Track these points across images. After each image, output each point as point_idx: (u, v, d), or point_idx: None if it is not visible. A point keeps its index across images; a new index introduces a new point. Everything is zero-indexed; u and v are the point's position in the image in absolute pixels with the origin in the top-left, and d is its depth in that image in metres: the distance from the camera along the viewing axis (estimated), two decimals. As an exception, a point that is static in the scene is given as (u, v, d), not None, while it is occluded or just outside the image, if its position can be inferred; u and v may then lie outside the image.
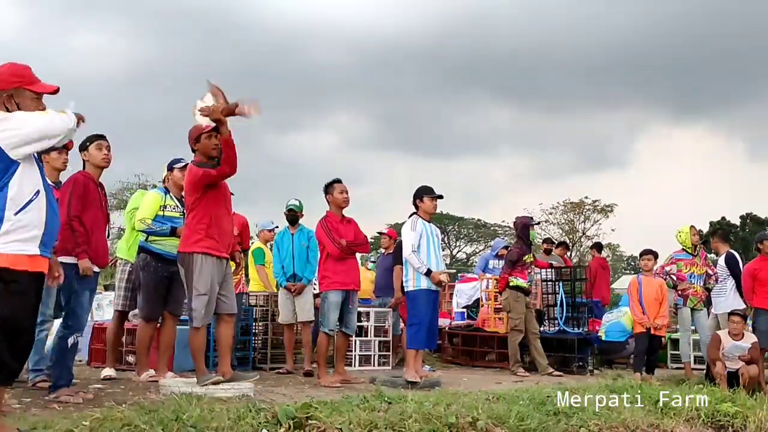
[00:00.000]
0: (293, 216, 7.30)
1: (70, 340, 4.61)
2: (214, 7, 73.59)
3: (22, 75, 3.28)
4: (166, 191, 5.84)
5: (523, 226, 8.33)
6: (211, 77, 4.78)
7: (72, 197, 4.71)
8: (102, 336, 7.03)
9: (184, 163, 5.69)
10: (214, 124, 4.80)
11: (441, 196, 6.46)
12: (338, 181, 6.50)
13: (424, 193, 6.43)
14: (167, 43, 72.07)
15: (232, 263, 5.48)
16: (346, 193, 6.49)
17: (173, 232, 5.55)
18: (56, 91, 3.36)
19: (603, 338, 8.86)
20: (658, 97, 65.94)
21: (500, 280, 8.19)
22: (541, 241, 11.72)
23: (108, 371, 5.87)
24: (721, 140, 69.91)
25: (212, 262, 4.85)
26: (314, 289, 8.22)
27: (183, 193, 5.89)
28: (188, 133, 5.03)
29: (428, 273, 6.15)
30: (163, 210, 5.69)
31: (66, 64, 62.55)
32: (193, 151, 5.03)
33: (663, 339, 8.09)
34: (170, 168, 5.89)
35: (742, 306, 7.60)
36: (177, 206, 5.76)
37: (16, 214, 3.08)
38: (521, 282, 7.94)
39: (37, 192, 3.18)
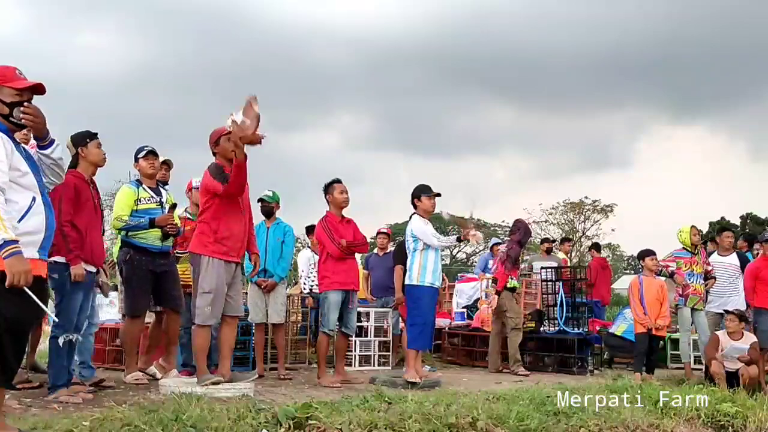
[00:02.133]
0: (266, 208, 6.97)
1: (61, 340, 4.59)
2: (216, 7, 73.63)
3: (2, 74, 3.30)
4: (138, 184, 5.68)
5: (527, 231, 8.46)
6: (252, 93, 4.63)
7: (63, 201, 4.61)
8: (101, 336, 7.02)
9: (146, 152, 5.65)
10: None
11: (439, 194, 6.45)
12: (338, 181, 6.49)
13: (421, 192, 6.42)
14: (168, 42, 72.11)
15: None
16: (346, 193, 6.48)
17: (152, 224, 5.45)
18: (40, 87, 3.36)
19: (620, 335, 8.84)
20: (659, 97, 65.91)
21: (501, 279, 8.17)
22: (540, 241, 11.75)
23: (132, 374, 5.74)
24: (722, 140, 69.90)
25: (219, 264, 4.90)
26: (307, 288, 8.21)
27: (156, 182, 5.83)
28: (209, 135, 5.09)
29: (459, 239, 6.53)
30: (137, 204, 5.54)
31: (69, 63, 62.62)
32: (214, 153, 5.09)
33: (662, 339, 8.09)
34: (135, 160, 5.71)
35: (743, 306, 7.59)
36: (152, 197, 5.63)
37: (19, 221, 3.14)
38: (515, 282, 8.04)
39: (33, 198, 3.23)
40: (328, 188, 6.47)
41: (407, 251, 6.39)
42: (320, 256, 6.54)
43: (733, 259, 8.11)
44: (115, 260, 6.08)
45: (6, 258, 2.97)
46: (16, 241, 3.00)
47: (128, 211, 5.50)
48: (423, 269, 6.17)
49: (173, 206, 5.78)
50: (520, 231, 8.27)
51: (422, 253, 6.21)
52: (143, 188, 5.64)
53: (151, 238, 5.50)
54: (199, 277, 4.88)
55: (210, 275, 4.86)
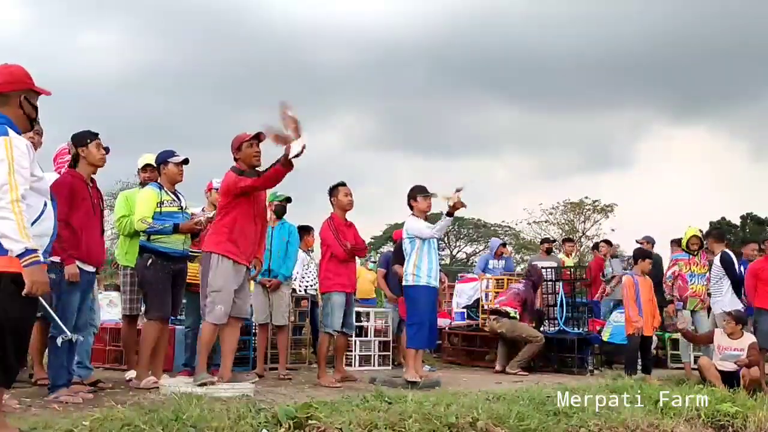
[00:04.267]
0: (283, 208, 6.99)
1: (59, 340, 4.57)
2: (217, 7, 73.57)
3: (29, 76, 3.36)
4: (160, 187, 5.59)
5: (540, 276, 8.71)
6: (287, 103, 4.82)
7: (57, 200, 4.58)
8: (101, 336, 7.03)
9: (182, 158, 5.60)
10: (255, 133, 5.06)
11: (434, 195, 6.46)
12: (343, 184, 6.49)
13: (417, 192, 6.43)
14: (169, 42, 71.98)
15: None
16: (350, 196, 6.48)
17: (176, 230, 5.41)
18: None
19: (606, 339, 8.85)
20: (660, 97, 65.69)
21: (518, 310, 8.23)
22: (540, 241, 11.75)
23: (132, 374, 5.74)
24: (722, 140, 69.64)
25: (229, 264, 4.98)
26: (301, 290, 8.18)
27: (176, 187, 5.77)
28: (231, 140, 5.16)
29: (450, 214, 6.14)
30: (160, 206, 5.46)
31: (69, 63, 62.45)
32: (235, 159, 5.15)
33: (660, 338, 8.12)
34: (163, 161, 5.63)
35: (740, 306, 7.57)
36: (174, 200, 5.57)
37: (32, 225, 3.16)
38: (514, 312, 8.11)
39: (45, 203, 3.29)
40: (333, 190, 6.48)
41: (404, 252, 6.41)
42: (323, 257, 6.51)
43: (716, 259, 8.09)
44: (118, 261, 6.08)
45: (27, 266, 3.00)
46: (36, 250, 3.04)
47: (151, 213, 5.42)
48: (418, 269, 6.19)
49: (212, 219, 5.80)
50: (533, 276, 8.61)
51: (418, 254, 6.23)
52: (165, 191, 5.56)
53: (175, 242, 5.46)
54: (209, 275, 4.97)
55: (219, 274, 4.95)
